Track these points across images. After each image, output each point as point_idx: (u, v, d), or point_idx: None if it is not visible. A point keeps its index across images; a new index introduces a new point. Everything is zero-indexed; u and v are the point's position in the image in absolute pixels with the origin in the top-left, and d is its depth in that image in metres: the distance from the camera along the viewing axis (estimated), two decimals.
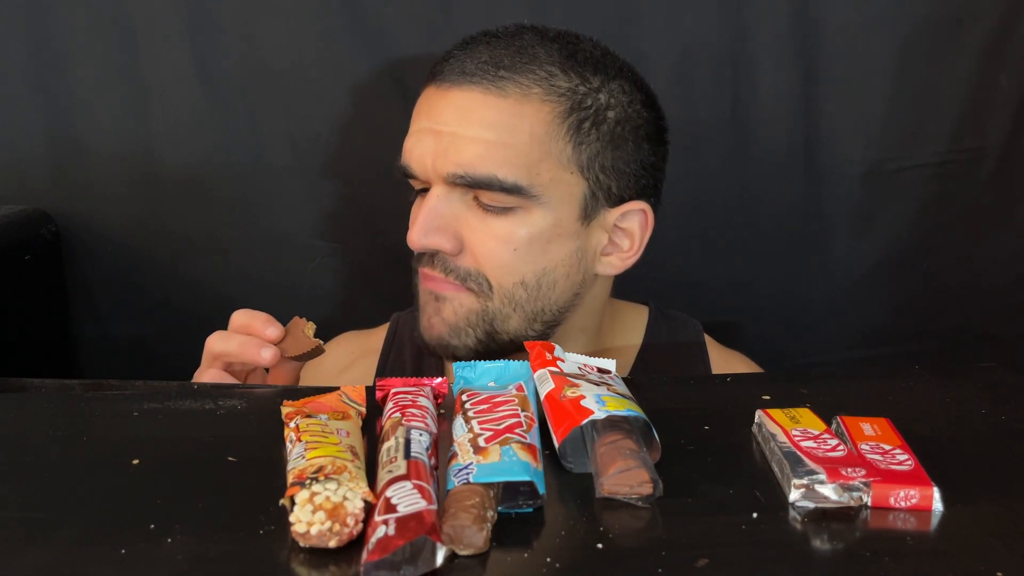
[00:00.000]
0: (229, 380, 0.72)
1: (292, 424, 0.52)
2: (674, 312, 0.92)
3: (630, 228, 0.79)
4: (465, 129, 0.73)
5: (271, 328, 0.72)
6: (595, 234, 0.78)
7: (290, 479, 0.46)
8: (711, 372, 0.88)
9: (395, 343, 0.91)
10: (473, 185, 0.73)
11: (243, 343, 0.71)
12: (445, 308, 0.76)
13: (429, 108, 0.76)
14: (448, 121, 0.74)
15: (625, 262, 0.80)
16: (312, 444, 0.49)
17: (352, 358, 0.92)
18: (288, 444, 0.51)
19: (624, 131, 0.76)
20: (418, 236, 0.74)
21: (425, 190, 0.78)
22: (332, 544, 0.43)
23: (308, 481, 0.45)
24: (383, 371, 0.90)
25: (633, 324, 0.89)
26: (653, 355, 0.88)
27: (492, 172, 0.72)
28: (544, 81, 0.74)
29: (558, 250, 0.76)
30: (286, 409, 0.56)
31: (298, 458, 0.48)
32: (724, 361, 0.89)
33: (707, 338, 0.91)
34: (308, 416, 0.54)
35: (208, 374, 0.72)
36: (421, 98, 0.78)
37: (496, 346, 0.77)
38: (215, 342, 0.72)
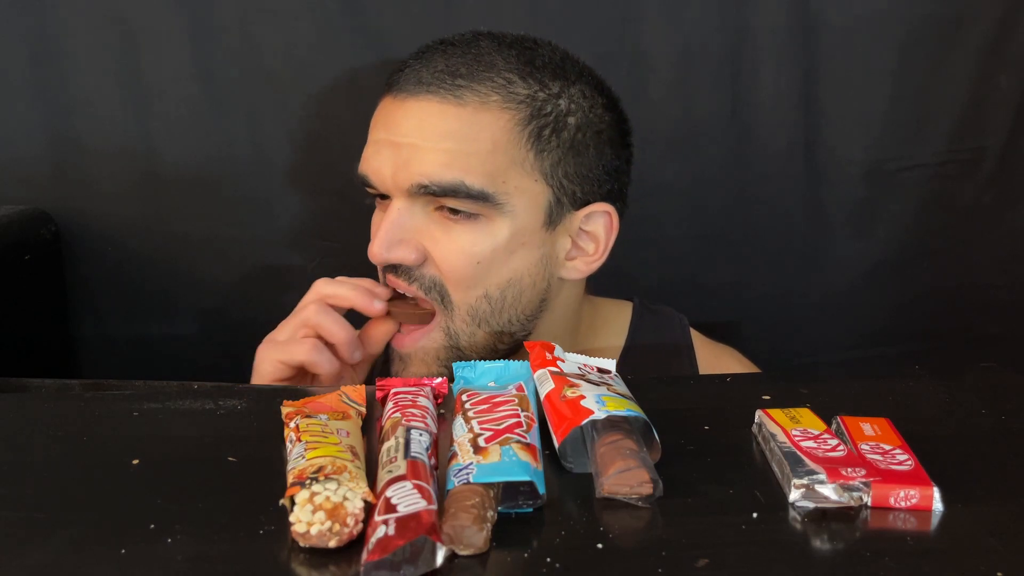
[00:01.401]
0: (324, 353, 0.72)
1: (292, 424, 0.52)
2: (660, 307, 0.91)
3: (595, 231, 0.78)
4: (425, 140, 0.72)
5: (380, 288, 0.74)
6: (560, 239, 0.77)
7: (290, 479, 0.46)
8: (698, 372, 0.87)
9: None
10: (440, 193, 0.72)
11: (357, 288, 0.72)
12: (411, 365, 0.76)
13: (386, 119, 0.75)
14: (407, 132, 0.73)
15: (590, 266, 0.79)
16: (312, 444, 0.49)
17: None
18: (288, 444, 0.51)
19: (586, 136, 0.76)
20: (380, 250, 0.73)
21: (384, 197, 0.77)
22: (332, 544, 0.43)
23: (308, 481, 0.45)
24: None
25: (616, 323, 0.88)
26: (636, 356, 0.87)
27: (459, 178, 0.71)
28: (502, 88, 0.73)
29: (523, 259, 0.75)
30: (286, 409, 0.56)
31: (298, 458, 0.48)
32: (714, 358, 0.89)
33: (695, 334, 0.90)
34: (308, 416, 0.54)
35: (304, 345, 0.72)
36: (378, 109, 0.77)
37: (468, 356, 0.76)
38: (324, 284, 0.72)
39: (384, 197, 0.77)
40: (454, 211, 0.73)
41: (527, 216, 0.74)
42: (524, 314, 0.77)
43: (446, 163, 0.71)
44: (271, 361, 0.72)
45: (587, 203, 0.77)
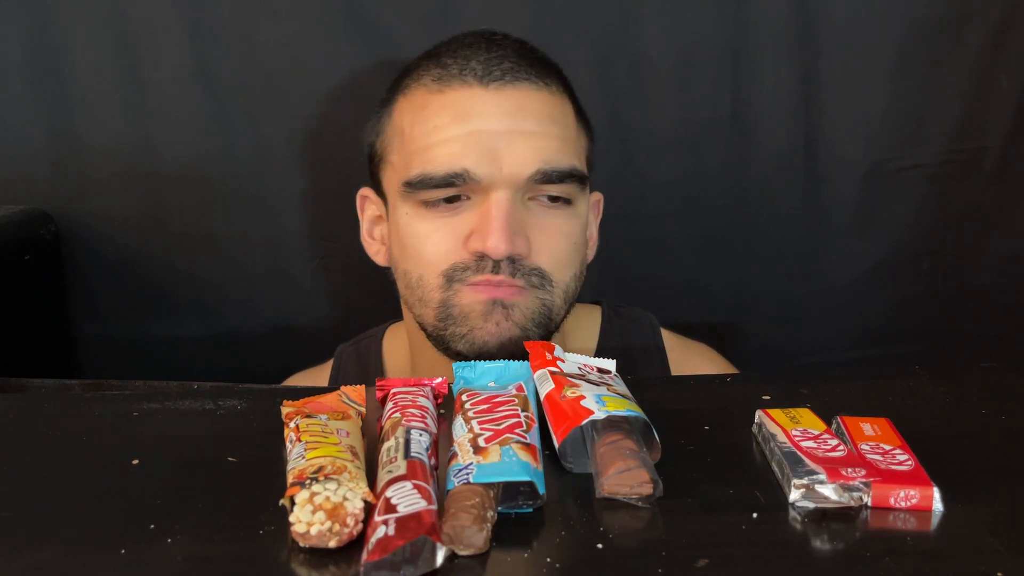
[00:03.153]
0: None
1: (292, 424, 0.52)
2: (629, 309, 0.91)
3: (591, 219, 0.82)
4: (536, 126, 0.72)
5: None
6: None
7: (290, 479, 0.46)
8: (670, 373, 0.87)
9: (340, 377, 0.89)
10: (556, 179, 0.72)
11: None
12: (515, 313, 0.72)
13: (476, 109, 0.72)
14: (514, 120, 0.71)
15: (593, 251, 0.83)
16: (312, 444, 0.49)
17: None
18: (288, 444, 0.51)
19: (591, 128, 0.80)
20: (505, 243, 0.69)
21: (453, 199, 0.72)
22: (332, 544, 0.43)
23: (308, 481, 0.45)
24: None
25: (586, 326, 0.88)
26: None
27: (572, 163, 0.73)
28: (560, 81, 0.76)
29: (585, 241, 0.79)
30: (286, 409, 0.56)
31: (298, 458, 0.48)
32: (684, 359, 0.88)
33: (666, 334, 0.90)
34: (308, 416, 0.54)
35: None
36: (445, 99, 0.73)
37: (547, 338, 0.75)
38: None
39: (452, 200, 0.72)
40: (553, 198, 0.74)
41: (587, 200, 0.78)
42: (577, 296, 0.79)
43: (559, 148, 0.73)
44: None
45: (590, 191, 0.80)
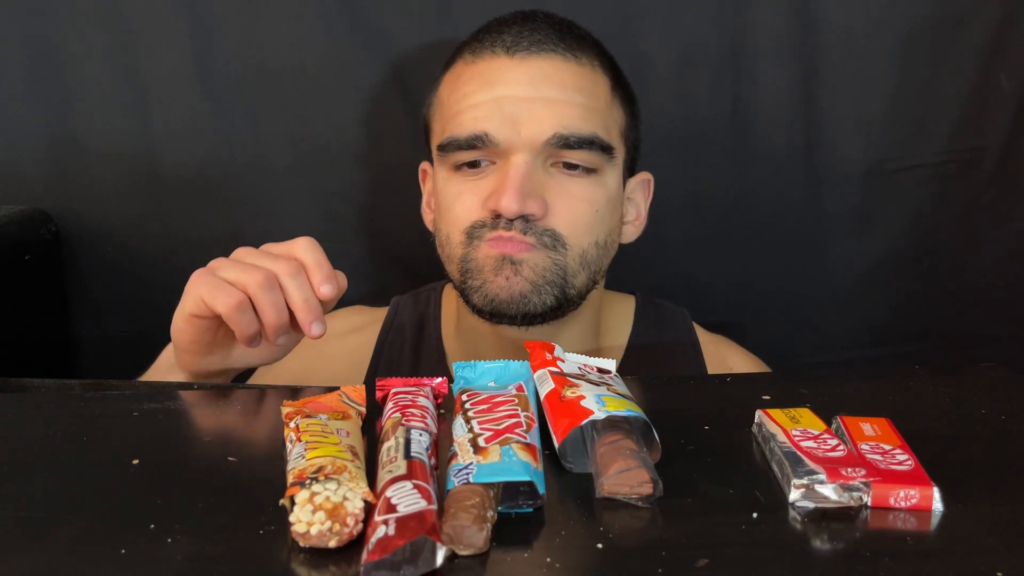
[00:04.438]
0: (246, 315, 0.63)
1: (292, 424, 0.52)
2: (662, 302, 0.93)
3: (636, 198, 0.85)
4: (559, 93, 0.75)
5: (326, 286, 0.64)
6: (624, 202, 0.83)
7: (290, 479, 0.46)
8: (705, 368, 0.88)
9: (395, 322, 0.93)
10: (576, 145, 0.74)
11: (331, 284, 0.64)
12: (524, 268, 0.75)
13: (500, 78, 0.76)
14: (536, 87, 0.75)
15: (637, 230, 0.86)
16: (312, 444, 0.49)
17: (358, 324, 0.93)
18: (288, 444, 0.51)
19: (635, 107, 0.83)
20: (517, 202, 0.73)
21: (473, 163, 0.77)
22: (332, 544, 0.43)
23: (308, 481, 0.45)
24: (382, 343, 0.91)
25: (620, 316, 0.90)
26: (642, 353, 0.88)
27: (594, 131, 0.75)
28: (596, 56, 0.79)
29: (616, 214, 0.81)
30: (286, 409, 0.56)
31: (298, 458, 0.48)
32: (719, 353, 0.90)
33: (697, 328, 0.92)
34: (308, 416, 0.54)
35: (230, 299, 0.63)
36: (476, 69, 0.78)
37: (565, 302, 0.78)
38: (309, 250, 0.65)
39: (473, 165, 0.77)
40: (571, 166, 0.76)
41: (619, 174, 0.80)
42: (603, 269, 0.82)
43: (582, 116, 0.75)
44: (195, 296, 0.65)
45: (633, 171, 0.84)
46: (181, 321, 0.67)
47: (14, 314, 0.99)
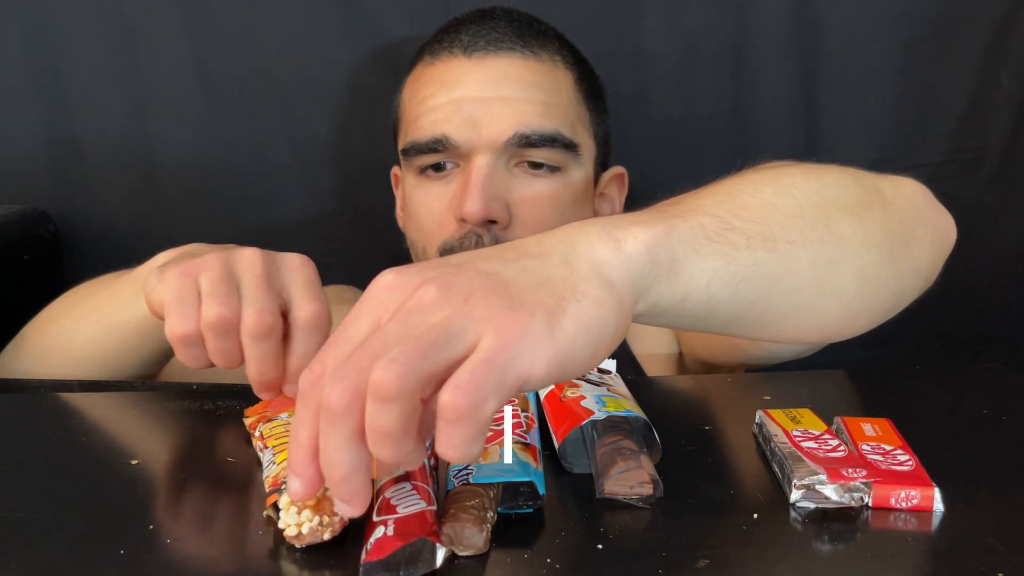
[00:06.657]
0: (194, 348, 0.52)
1: (256, 433, 0.52)
2: None
3: (611, 194, 0.84)
4: (518, 92, 0.74)
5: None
6: (595, 199, 0.82)
7: (267, 487, 0.46)
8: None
9: None
10: (537, 143, 0.73)
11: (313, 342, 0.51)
12: None
13: (459, 79, 0.75)
14: (494, 87, 0.74)
15: None
16: (279, 447, 0.48)
17: (349, 298, 0.92)
18: (259, 454, 0.50)
19: (602, 102, 0.82)
20: (480, 207, 0.71)
21: (437, 166, 0.76)
22: (327, 537, 0.42)
23: (284, 485, 0.44)
24: None
25: None
26: None
27: (556, 128, 0.74)
28: (559, 51, 0.78)
29: (587, 211, 0.79)
30: (248, 420, 0.54)
31: (269, 465, 0.47)
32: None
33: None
34: (269, 420, 0.52)
35: (182, 317, 0.51)
36: (435, 71, 0.77)
37: None
38: (317, 313, 0.52)
39: (438, 168, 0.76)
40: (536, 165, 0.75)
41: (587, 171, 0.78)
42: None
43: (543, 113, 0.74)
44: (159, 295, 0.54)
45: (605, 166, 0.83)
46: (147, 298, 0.57)
47: (14, 314, 0.99)
